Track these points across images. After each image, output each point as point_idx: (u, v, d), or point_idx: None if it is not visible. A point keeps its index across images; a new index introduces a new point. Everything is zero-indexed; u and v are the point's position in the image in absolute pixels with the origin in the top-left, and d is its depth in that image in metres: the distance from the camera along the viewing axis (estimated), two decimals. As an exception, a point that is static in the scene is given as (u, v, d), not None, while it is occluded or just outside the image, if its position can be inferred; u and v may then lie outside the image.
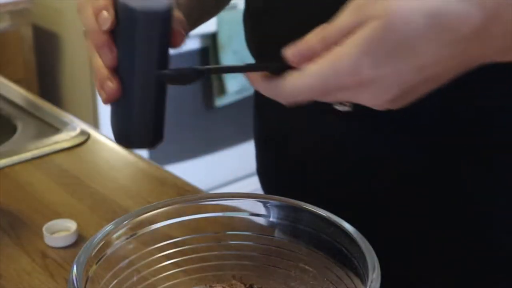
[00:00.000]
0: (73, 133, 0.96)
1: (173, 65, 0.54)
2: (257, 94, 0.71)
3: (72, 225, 0.71)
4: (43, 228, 0.70)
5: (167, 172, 0.87)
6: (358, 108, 0.46)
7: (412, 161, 0.57)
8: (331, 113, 0.58)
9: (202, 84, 2.26)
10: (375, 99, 0.42)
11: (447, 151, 0.55)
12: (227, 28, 2.11)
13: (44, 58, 2.19)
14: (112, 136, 0.99)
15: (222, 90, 2.25)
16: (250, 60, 0.63)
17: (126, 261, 0.49)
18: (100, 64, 0.50)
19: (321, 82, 0.42)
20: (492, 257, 0.57)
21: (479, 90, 0.52)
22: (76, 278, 0.44)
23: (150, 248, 0.51)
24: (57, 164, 0.88)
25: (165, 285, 0.51)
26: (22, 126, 1.01)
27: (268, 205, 0.52)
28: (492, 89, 0.53)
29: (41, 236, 0.70)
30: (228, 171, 2.42)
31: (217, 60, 2.17)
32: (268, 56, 0.62)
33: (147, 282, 0.50)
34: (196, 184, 0.83)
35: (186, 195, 0.68)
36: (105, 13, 0.48)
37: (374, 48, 0.40)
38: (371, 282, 0.42)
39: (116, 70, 0.49)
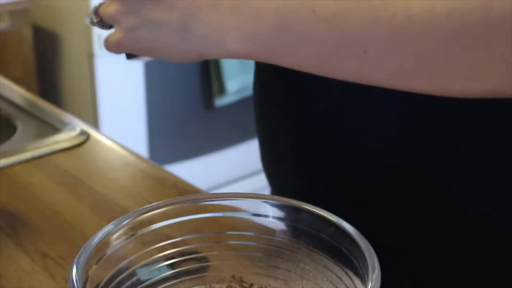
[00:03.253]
0: (73, 133, 0.96)
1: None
2: (256, 94, 0.72)
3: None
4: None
5: (167, 172, 0.87)
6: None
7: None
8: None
9: (202, 84, 2.26)
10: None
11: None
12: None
13: (44, 58, 2.19)
14: (112, 136, 0.99)
15: (222, 90, 2.25)
16: (250, 62, 0.63)
17: (126, 261, 0.49)
18: None
19: None
20: (492, 256, 0.58)
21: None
22: (76, 278, 0.43)
23: (150, 248, 0.51)
24: (57, 164, 0.88)
25: (165, 285, 0.51)
26: (22, 126, 1.01)
27: (268, 205, 0.52)
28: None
29: (41, 236, 0.70)
30: (228, 171, 2.42)
31: (217, 60, 2.17)
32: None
33: (147, 282, 0.50)
34: (196, 184, 0.83)
35: (186, 195, 0.68)
36: None
37: None
38: (371, 282, 0.42)
39: None
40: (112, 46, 0.55)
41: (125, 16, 0.52)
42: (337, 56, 0.46)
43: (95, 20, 0.56)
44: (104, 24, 0.56)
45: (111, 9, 0.53)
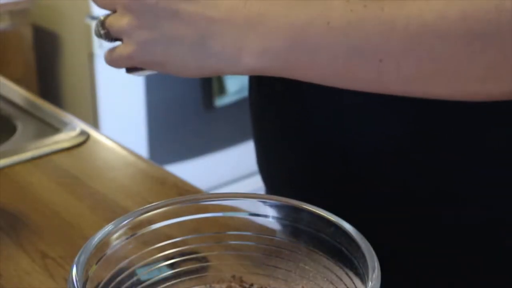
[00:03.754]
0: (73, 133, 0.96)
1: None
2: (251, 95, 0.72)
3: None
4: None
5: (167, 172, 0.87)
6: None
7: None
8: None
9: (202, 84, 2.26)
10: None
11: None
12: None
13: (44, 58, 2.19)
14: (112, 136, 0.99)
15: (222, 90, 2.26)
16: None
17: (126, 261, 0.49)
18: None
19: None
20: (492, 256, 0.58)
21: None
22: (75, 278, 0.43)
23: (150, 248, 0.51)
24: (57, 164, 0.88)
25: (164, 285, 0.51)
26: (22, 126, 1.01)
27: (268, 205, 0.52)
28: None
29: (41, 236, 0.70)
30: (228, 171, 2.42)
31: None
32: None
33: (147, 282, 0.50)
34: (196, 184, 0.83)
35: (186, 195, 0.69)
36: None
37: None
38: (371, 282, 0.42)
39: None
40: (119, 59, 0.54)
41: (138, 29, 0.51)
42: (353, 66, 0.46)
43: (101, 32, 0.55)
44: (110, 36, 0.55)
45: (122, 22, 0.52)
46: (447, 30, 0.43)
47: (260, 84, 0.69)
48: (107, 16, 0.55)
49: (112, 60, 0.55)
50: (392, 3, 0.45)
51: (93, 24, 0.57)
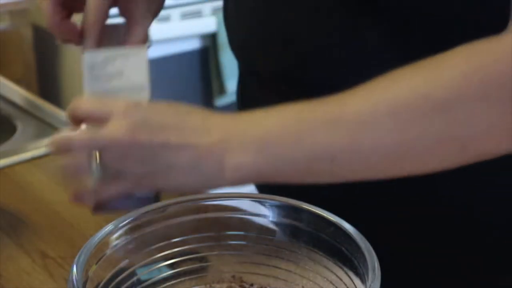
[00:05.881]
0: (73, 133, 0.96)
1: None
2: (238, 98, 0.72)
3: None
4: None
5: (167, 172, 0.86)
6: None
7: None
8: None
9: (202, 84, 2.26)
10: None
11: None
12: (227, 28, 2.10)
13: (44, 58, 2.19)
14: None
15: (222, 90, 2.25)
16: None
17: (126, 261, 0.49)
18: None
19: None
20: (492, 256, 0.58)
21: None
22: (76, 278, 0.44)
23: (150, 248, 0.51)
24: (57, 164, 0.88)
25: (164, 285, 0.51)
26: (22, 126, 1.01)
27: (268, 205, 0.52)
28: None
29: (41, 236, 0.70)
30: (228, 171, 2.42)
31: (217, 60, 2.17)
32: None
33: (147, 283, 0.50)
34: (196, 184, 0.83)
35: (186, 195, 0.69)
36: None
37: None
38: (371, 282, 0.42)
39: None
40: (106, 190, 0.55)
41: (134, 168, 0.53)
42: (312, 168, 0.51)
43: (100, 171, 0.55)
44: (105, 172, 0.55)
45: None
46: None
47: (246, 102, 0.68)
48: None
49: (105, 192, 0.55)
50: (336, 100, 0.49)
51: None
